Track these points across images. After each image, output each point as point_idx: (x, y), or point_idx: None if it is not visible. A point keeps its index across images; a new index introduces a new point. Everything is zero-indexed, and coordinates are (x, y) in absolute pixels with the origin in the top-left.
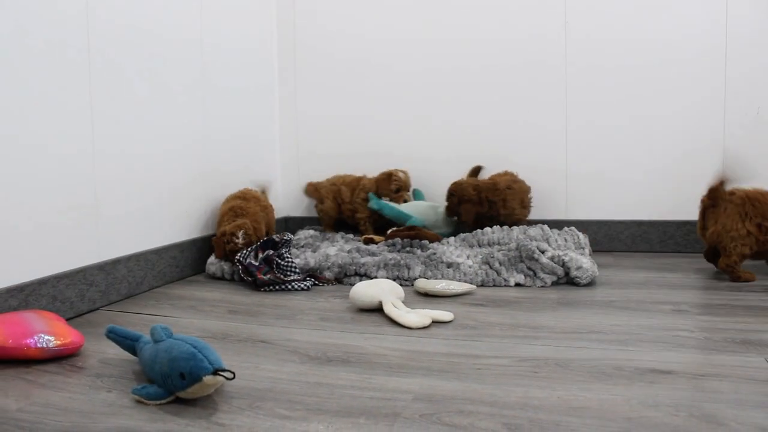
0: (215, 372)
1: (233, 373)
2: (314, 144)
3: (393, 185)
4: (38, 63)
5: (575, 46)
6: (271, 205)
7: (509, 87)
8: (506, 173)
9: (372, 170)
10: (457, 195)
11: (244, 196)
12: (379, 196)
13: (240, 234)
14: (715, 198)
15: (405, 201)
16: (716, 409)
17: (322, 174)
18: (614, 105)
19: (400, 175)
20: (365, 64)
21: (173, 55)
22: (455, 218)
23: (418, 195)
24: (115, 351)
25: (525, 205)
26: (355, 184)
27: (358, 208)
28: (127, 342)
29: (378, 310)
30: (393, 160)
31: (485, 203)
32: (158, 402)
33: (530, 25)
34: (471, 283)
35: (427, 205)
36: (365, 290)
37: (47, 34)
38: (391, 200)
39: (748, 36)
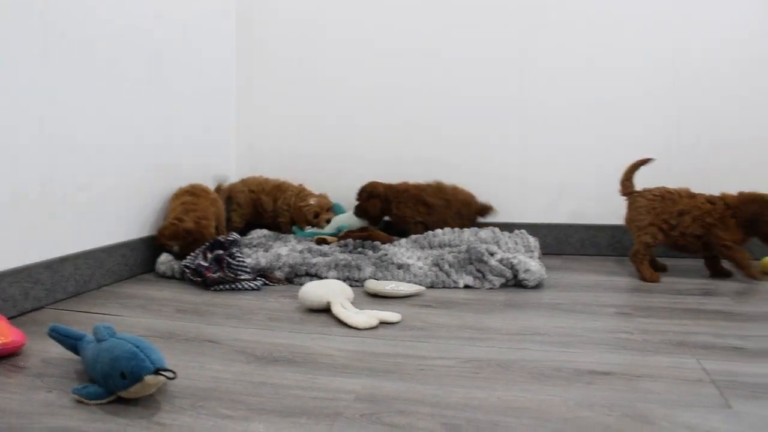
0: (157, 371)
1: (174, 372)
2: (269, 141)
3: (309, 215)
4: None
5: (532, 71)
6: (220, 201)
7: (468, 101)
8: (437, 184)
9: (325, 170)
10: (367, 190)
11: (193, 191)
12: (301, 227)
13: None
14: (628, 194)
15: (328, 221)
16: (648, 409)
17: (276, 171)
18: (568, 119)
19: (312, 202)
20: (322, 66)
21: (126, 47)
22: (364, 218)
23: (338, 209)
24: (58, 350)
25: (421, 212)
26: (275, 192)
27: (281, 213)
28: (70, 341)
29: (327, 310)
30: (347, 161)
31: (386, 201)
32: (99, 402)
33: (489, 49)
34: (420, 285)
35: (348, 215)
36: (314, 290)
37: None
38: (313, 226)
39: (696, 69)
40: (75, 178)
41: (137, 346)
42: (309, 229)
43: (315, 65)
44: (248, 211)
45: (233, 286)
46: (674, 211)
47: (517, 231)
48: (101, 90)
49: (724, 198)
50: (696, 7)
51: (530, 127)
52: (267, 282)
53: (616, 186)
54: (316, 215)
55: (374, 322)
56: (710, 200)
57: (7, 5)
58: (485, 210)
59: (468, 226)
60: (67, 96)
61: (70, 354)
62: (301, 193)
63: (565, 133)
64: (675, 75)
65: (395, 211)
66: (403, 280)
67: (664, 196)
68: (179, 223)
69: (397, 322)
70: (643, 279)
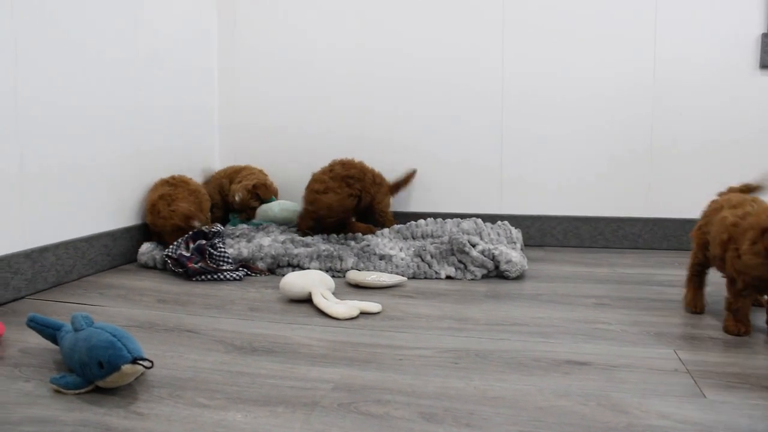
0: (134, 361)
1: (152, 362)
2: (253, 129)
3: (234, 203)
4: None
5: (512, 62)
6: (202, 190)
7: (449, 90)
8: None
9: (307, 155)
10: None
11: (172, 182)
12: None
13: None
14: None
15: (253, 209)
16: (623, 398)
17: (257, 160)
18: (551, 113)
19: (236, 198)
20: (304, 51)
21: (109, 35)
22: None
23: (260, 199)
24: (36, 340)
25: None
26: (234, 176)
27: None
28: (49, 331)
29: (308, 300)
30: (333, 146)
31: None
32: (76, 391)
33: (470, 42)
34: (402, 275)
35: (279, 203)
36: (295, 281)
37: None
38: (238, 214)
39: (675, 56)
40: (54, 166)
41: (114, 335)
42: (236, 218)
43: (296, 47)
44: (216, 198)
45: (215, 276)
46: None
47: (499, 222)
48: (79, 75)
49: None
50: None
51: (512, 116)
52: (249, 272)
53: (599, 177)
54: (242, 210)
55: (355, 312)
56: None
57: None
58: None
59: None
60: (43, 82)
61: (48, 344)
62: (239, 177)
63: (547, 123)
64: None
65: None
66: (385, 270)
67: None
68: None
69: (377, 313)
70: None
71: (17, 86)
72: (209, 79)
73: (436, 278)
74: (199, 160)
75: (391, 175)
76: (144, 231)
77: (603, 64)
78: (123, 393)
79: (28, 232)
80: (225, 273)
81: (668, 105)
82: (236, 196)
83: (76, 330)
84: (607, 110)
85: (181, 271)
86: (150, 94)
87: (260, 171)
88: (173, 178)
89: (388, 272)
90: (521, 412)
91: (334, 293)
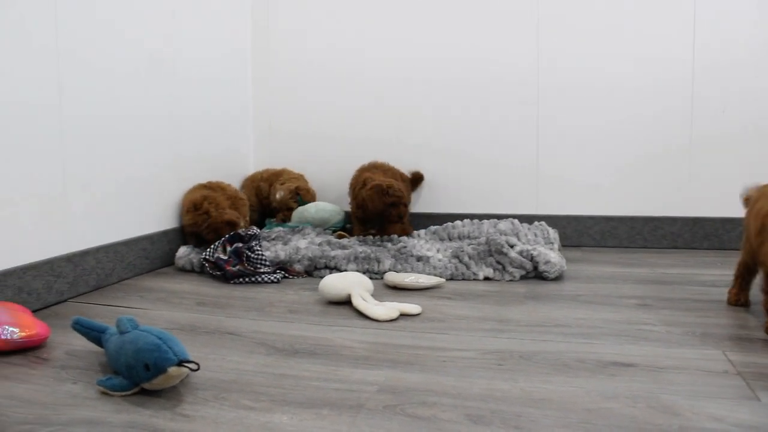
0: (180, 363)
1: (198, 364)
2: (287, 135)
3: (273, 204)
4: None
5: (548, 54)
6: (241, 195)
7: (482, 86)
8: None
9: (341, 160)
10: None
11: (210, 186)
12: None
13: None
14: None
15: (292, 208)
16: (673, 400)
17: (291, 165)
18: (587, 108)
19: (277, 196)
20: (338, 55)
21: (144, 51)
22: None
23: (301, 201)
24: (81, 343)
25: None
26: (272, 179)
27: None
28: (93, 333)
29: (347, 302)
30: (367, 150)
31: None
32: (123, 393)
33: (505, 40)
34: (440, 277)
35: (315, 205)
36: (334, 283)
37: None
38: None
39: (715, 47)
40: (94, 172)
41: (160, 338)
42: (272, 222)
43: (330, 52)
44: (253, 201)
45: (253, 278)
46: None
47: (536, 223)
48: (117, 88)
49: None
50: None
51: (547, 112)
52: (287, 275)
53: (636, 176)
54: (278, 209)
55: (394, 314)
56: None
57: (22, 37)
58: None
59: None
60: (82, 91)
61: (93, 346)
62: (282, 179)
63: (583, 118)
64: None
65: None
66: (423, 272)
67: None
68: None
69: (417, 314)
70: None
71: (62, 102)
72: (243, 86)
73: (474, 279)
74: (234, 166)
75: (428, 179)
76: (180, 234)
77: (640, 55)
78: (168, 395)
79: (69, 236)
80: (263, 275)
81: (707, 97)
82: (278, 194)
83: (121, 333)
84: (643, 103)
85: (219, 274)
86: (185, 103)
87: (301, 176)
88: (210, 183)
89: (426, 274)
90: (569, 414)
91: (372, 295)
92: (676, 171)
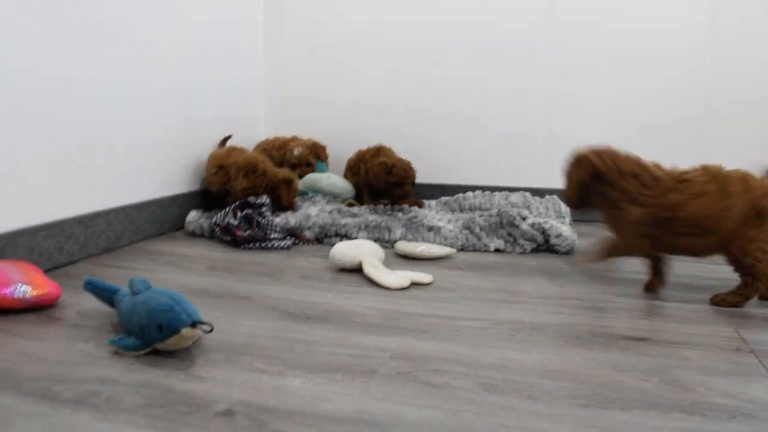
0: (193, 324)
1: (211, 325)
2: (299, 101)
3: (292, 161)
4: None
5: (561, 16)
6: (264, 158)
7: (493, 55)
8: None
9: (353, 128)
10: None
11: (236, 149)
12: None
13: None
14: None
15: (311, 164)
16: (685, 375)
17: (302, 132)
18: (599, 76)
19: (295, 153)
20: (352, 19)
21: (153, 9)
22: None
23: (320, 168)
24: (92, 303)
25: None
26: (283, 147)
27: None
28: (105, 294)
29: (358, 270)
30: (381, 118)
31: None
32: (135, 353)
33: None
34: (451, 247)
35: (328, 176)
36: (346, 250)
37: None
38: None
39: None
40: (105, 135)
41: (173, 299)
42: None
43: (344, 15)
44: None
45: (263, 244)
46: None
47: (548, 196)
48: (130, 50)
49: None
50: None
51: (559, 88)
52: (297, 241)
53: (648, 150)
54: (297, 164)
55: (406, 282)
56: None
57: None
58: None
59: None
60: (97, 65)
61: (104, 307)
62: (289, 147)
63: (595, 89)
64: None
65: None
66: (434, 242)
67: None
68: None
69: (428, 284)
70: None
71: (75, 65)
72: (255, 52)
73: (485, 251)
74: (245, 132)
75: (440, 150)
76: (190, 199)
77: (656, 19)
78: (181, 356)
79: (80, 198)
80: (273, 241)
81: (726, 59)
82: (296, 150)
83: (134, 293)
84: (657, 70)
85: (229, 239)
86: (196, 68)
87: (309, 139)
88: (233, 147)
89: (437, 244)
90: (582, 385)
91: (384, 263)
92: (690, 142)
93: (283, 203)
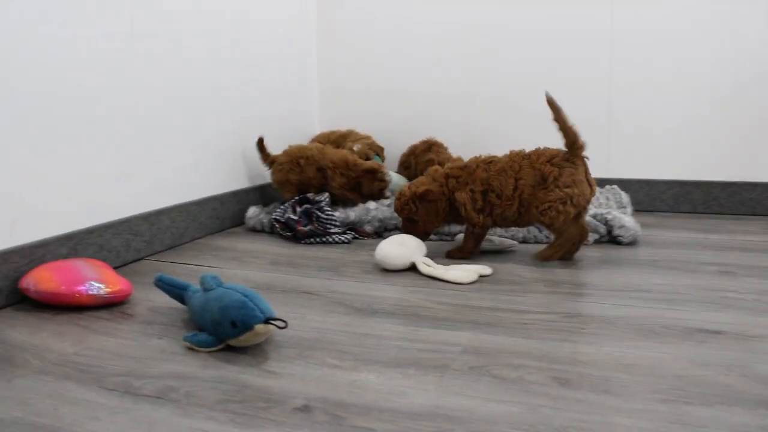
0: (267, 321)
1: (285, 322)
2: (354, 94)
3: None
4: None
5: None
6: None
7: (551, 40)
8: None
9: (405, 118)
10: None
11: (306, 146)
12: None
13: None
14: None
15: (370, 159)
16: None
17: (358, 126)
18: (659, 52)
19: (354, 148)
20: (401, 10)
21: (208, 11)
22: None
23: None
24: (162, 299)
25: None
26: (340, 141)
27: None
28: (176, 290)
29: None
30: (439, 109)
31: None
32: (209, 349)
33: None
34: (513, 240)
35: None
36: (393, 252)
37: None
38: None
39: None
40: (167, 134)
41: (246, 296)
42: None
43: (397, 3)
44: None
45: (324, 239)
46: None
47: (608, 186)
48: (188, 54)
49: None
50: None
51: (620, 71)
52: (357, 236)
53: (714, 138)
54: None
55: (474, 276)
56: None
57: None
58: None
59: None
60: (153, 59)
61: (173, 303)
62: (350, 139)
63: (657, 78)
64: None
65: None
66: (495, 234)
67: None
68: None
69: (489, 275)
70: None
71: (135, 70)
72: (308, 47)
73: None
74: (300, 127)
75: (496, 139)
76: (249, 195)
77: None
78: (254, 352)
79: (145, 196)
80: (333, 236)
81: None
82: (355, 146)
83: (205, 290)
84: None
85: (289, 234)
86: (251, 65)
87: (369, 137)
88: (297, 146)
89: (497, 236)
90: (660, 380)
91: (428, 255)
92: (756, 132)
93: (364, 192)
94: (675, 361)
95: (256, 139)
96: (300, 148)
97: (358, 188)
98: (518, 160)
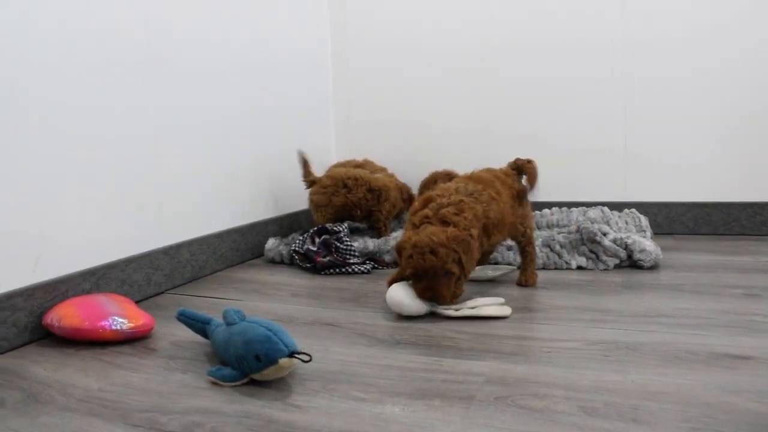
0: (291, 354)
1: (309, 355)
2: (369, 125)
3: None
4: (94, 71)
5: (634, 19)
6: None
7: (564, 64)
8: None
9: (421, 151)
10: None
11: (344, 175)
12: None
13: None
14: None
15: None
16: None
17: (374, 157)
18: (677, 72)
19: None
20: (422, 37)
21: (225, 43)
22: None
23: None
24: (184, 333)
25: None
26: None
27: None
28: (198, 324)
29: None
30: (455, 139)
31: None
32: (233, 384)
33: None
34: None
35: None
36: (404, 301)
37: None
38: None
39: None
40: (186, 168)
41: (270, 330)
42: None
43: (413, 34)
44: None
45: (343, 269)
46: None
47: (626, 210)
48: (199, 89)
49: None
50: None
51: (635, 92)
52: (376, 265)
53: (734, 159)
54: None
55: (508, 310)
56: None
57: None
58: None
59: None
60: (171, 102)
61: (197, 337)
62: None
63: (674, 99)
64: None
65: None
66: (513, 261)
67: None
68: None
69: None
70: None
71: (154, 101)
72: (324, 78)
73: (567, 269)
74: (319, 155)
75: None
76: (267, 227)
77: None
78: (278, 386)
79: (164, 229)
80: (353, 266)
81: None
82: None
83: (228, 324)
84: (739, 77)
85: (309, 265)
86: (266, 97)
87: (384, 169)
88: (346, 169)
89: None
90: (689, 408)
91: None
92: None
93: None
94: (704, 388)
95: (297, 155)
96: (347, 171)
97: (400, 214)
98: (493, 182)
